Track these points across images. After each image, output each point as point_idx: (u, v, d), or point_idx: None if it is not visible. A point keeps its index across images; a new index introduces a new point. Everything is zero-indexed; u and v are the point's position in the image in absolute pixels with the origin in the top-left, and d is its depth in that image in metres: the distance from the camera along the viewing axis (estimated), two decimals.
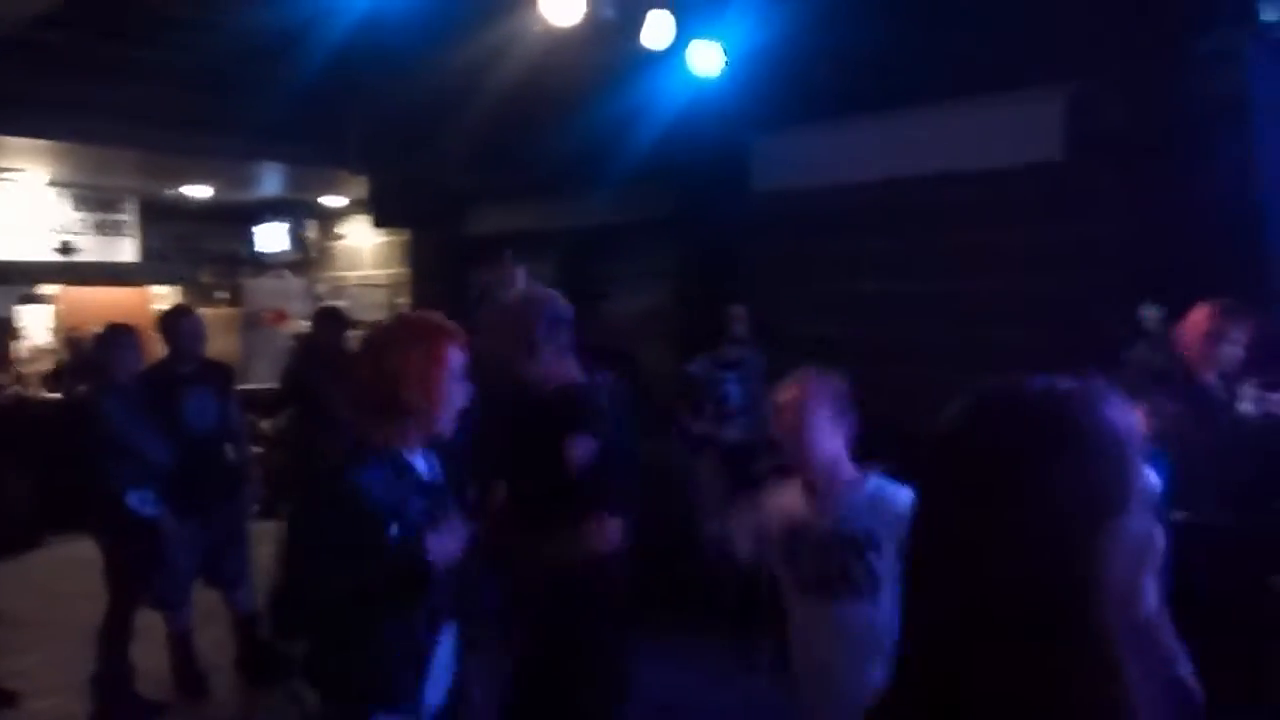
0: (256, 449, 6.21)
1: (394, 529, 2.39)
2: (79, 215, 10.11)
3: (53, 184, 9.78)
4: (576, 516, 2.98)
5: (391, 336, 2.58)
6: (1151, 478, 1.05)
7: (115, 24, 6.04)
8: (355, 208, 10.80)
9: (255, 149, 7.93)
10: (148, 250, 10.71)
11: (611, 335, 6.75)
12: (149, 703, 4.94)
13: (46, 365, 9.70)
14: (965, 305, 6.29)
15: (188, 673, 5.19)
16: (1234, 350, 4.04)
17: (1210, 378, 4.07)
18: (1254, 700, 3.22)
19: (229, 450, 5.36)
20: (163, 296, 10.92)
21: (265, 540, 5.80)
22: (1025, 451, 1.01)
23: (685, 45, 5.93)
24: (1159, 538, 1.06)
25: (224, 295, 11.73)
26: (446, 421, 2.52)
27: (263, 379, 9.27)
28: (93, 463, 4.70)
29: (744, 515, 2.93)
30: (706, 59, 6.01)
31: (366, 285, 11.32)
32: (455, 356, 2.50)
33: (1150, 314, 4.80)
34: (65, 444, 4.85)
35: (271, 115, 6.50)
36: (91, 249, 10.17)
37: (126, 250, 10.51)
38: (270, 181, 9.99)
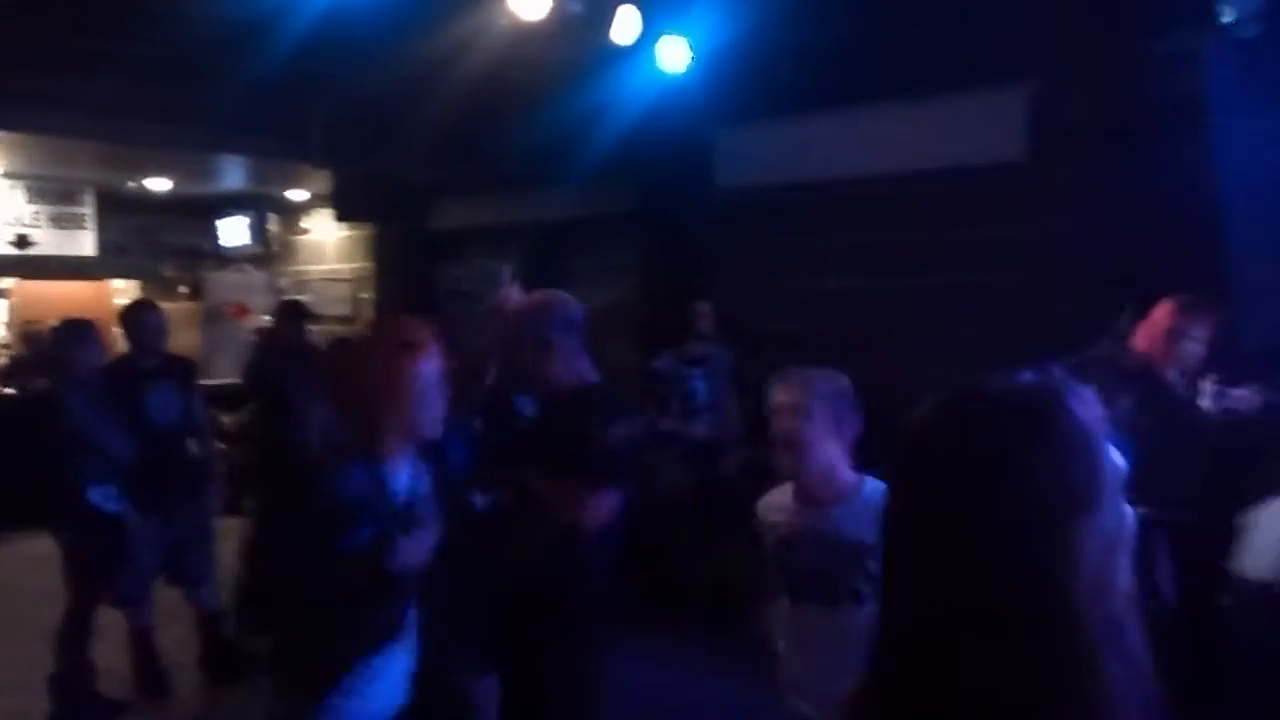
0: (220, 445, 6.16)
1: (363, 533, 2.41)
2: (35, 208, 9.97)
3: (8, 176, 9.64)
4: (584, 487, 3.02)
5: (361, 349, 2.63)
6: (1120, 461, 1.07)
7: (73, 14, 5.95)
8: (318, 201, 10.71)
9: (217, 142, 7.84)
10: (107, 243, 10.58)
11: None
12: (110, 701, 4.90)
13: (0, 360, 9.57)
14: (928, 301, 6.34)
15: (149, 671, 5.15)
16: (1195, 347, 4.11)
17: (1171, 374, 4.13)
18: (1208, 699, 3.26)
19: (192, 446, 5.32)
20: (122, 290, 10.81)
21: (229, 537, 5.78)
22: (997, 451, 1.02)
23: (650, 40, 5.94)
24: (1130, 521, 1.08)
25: (185, 289, 11.61)
26: (426, 427, 2.55)
27: (225, 374, 9.20)
28: (54, 458, 4.64)
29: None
30: (672, 54, 6.03)
31: (330, 280, 11.25)
32: (425, 365, 2.53)
33: (1126, 316, 4.88)
34: (23, 439, 4.79)
35: (233, 108, 6.44)
36: (49, 242, 10.04)
37: (85, 243, 10.38)
38: (232, 175, 9.88)
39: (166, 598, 5.32)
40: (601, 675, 3.11)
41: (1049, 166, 5.76)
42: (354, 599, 2.43)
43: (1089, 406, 1.05)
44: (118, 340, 5.50)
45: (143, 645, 5.14)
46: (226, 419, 7.88)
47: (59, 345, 4.93)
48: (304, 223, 11.65)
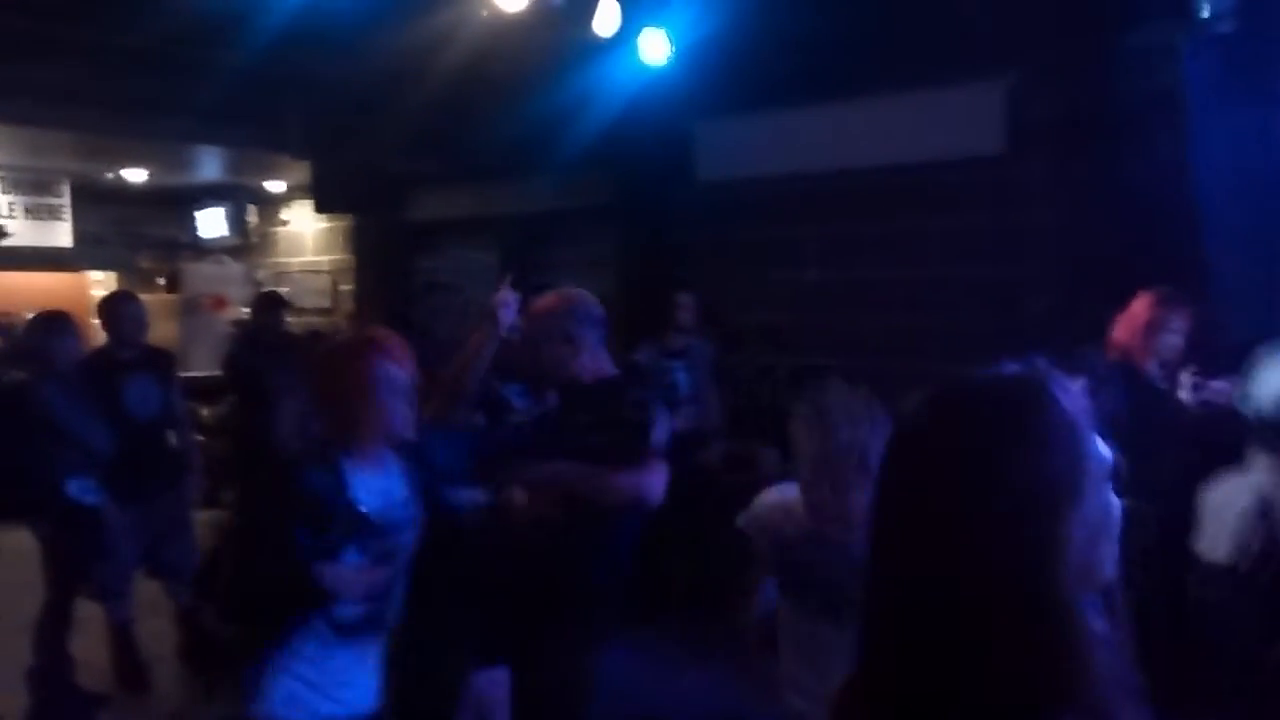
0: (199, 437, 6.13)
1: (303, 535, 2.46)
2: (10, 199, 9.88)
3: None
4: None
5: (324, 357, 2.72)
6: (1104, 450, 1.09)
7: (48, 3, 5.90)
8: (297, 193, 10.66)
9: (194, 132, 7.77)
10: (83, 235, 10.48)
11: None
12: (89, 695, 4.88)
13: None
14: (907, 293, 6.37)
15: (129, 664, 5.13)
16: (1173, 339, 4.15)
17: (1150, 367, 4.16)
18: (1184, 692, 3.30)
19: (171, 438, 5.30)
20: (99, 282, 10.73)
21: (208, 529, 5.76)
22: (983, 446, 1.04)
23: (631, 33, 5.93)
24: (1116, 508, 1.10)
25: (162, 281, 11.53)
26: (396, 430, 2.58)
27: (202, 366, 9.14)
28: (31, 451, 4.61)
29: None
30: (653, 47, 6.02)
31: (308, 271, 11.19)
32: (386, 369, 2.58)
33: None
34: (0, 432, 4.75)
35: (211, 98, 6.39)
36: (24, 233, 9.95)
37: (61, 234, 10.29)
38: (209, 165, 9.81)
39: (146, 590, 5.30)
40: (600, 668, 3.14)
41: (1026, 160, 5.80)
42: (288, 600, 2.47)
43: (1073, 398, 1.06)
44: (95, 332, 5.45)
45: (122, 638, 5.12)
46: (205, 411, 7.85)
47: (37, 337, 4.90)
48: (282, 214, 11.58)
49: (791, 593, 2.67)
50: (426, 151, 8.03)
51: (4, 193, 9.82)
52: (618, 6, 5.72)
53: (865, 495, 2.39)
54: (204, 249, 11.69)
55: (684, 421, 6.29)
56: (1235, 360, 3.79)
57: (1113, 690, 1.00)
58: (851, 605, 2.48)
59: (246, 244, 11.71)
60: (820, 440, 2.41)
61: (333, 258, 10.92)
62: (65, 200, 10.30)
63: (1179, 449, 3.92)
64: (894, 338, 6.32)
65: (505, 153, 7.42)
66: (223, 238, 11.50)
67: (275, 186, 10.76)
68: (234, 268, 11.66)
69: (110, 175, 9.93)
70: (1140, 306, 4.20)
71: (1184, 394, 4.16)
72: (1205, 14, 4.76)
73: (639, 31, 5.96)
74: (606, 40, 5.80)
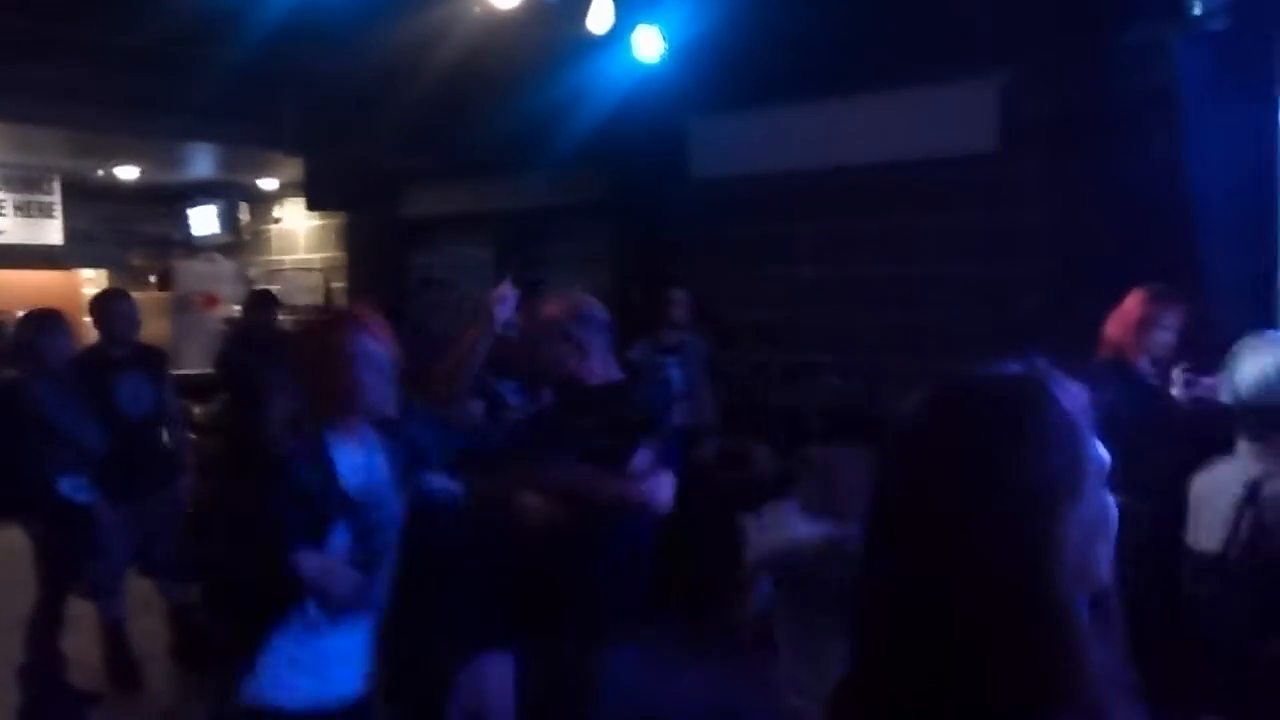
0: (191, 435, 6.11)
1: (291, 512, 2.48)
2: (1, 196, 9.83)
3: None
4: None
5: (303, 329, 2.72)
6: (1103, 452, 1.08)
7: (47, 2, 5.88)
8: (289, 190, 10.62)
9: (189, 130, 7.76)
10: (74, 232, 10.44)
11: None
12: (81, 693, 4.86)
13: None
14: (900, 290, 6.39)
15: (121, 663, 5.11)
16: (1166, 336, 4.15)
17: (1142, 363, 4.17)
18: (1178, 689, 3.30)
19: (164, 436, 5.29)
20: (91, 280, 10.69)
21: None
22: (985, 447, 1.03)
23: (625, 30, 5.93)
24: (1113, 512, 1.10)
25: (154, 279, 11.50)
26: (375, 406, 2.57)
27: (194, 364, 9.10)
28: (23, 449, 4.60)
29: None
30: (647, 44, 6.02)
31: (301, 269, 11.16)
32: (364, 345, 2.56)
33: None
34: None
35: (206, 95, 6.37)
36: (15, 231, 9.90)
37: (52, 232, 10.25)
38: (201, 163, 9.78)
39: (138, 589, 5.29)
40: (606, 669, 3.14)
41: (1019, 158, 5.81)
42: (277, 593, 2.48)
43: (1071, 393, 1.06)
44: (86, 330, 5.44)
45: (114, 637, 5.11)
46: (197, 410, 7.83)
47: (28, 335, 4.88)
48: (275, 211, 11.55)
49: (789, 590, 2.68)
50: (420, 148, 8.02)
51: None
52: (611, 3, 5.72)
53: None
54: (196, 247, 11.65)
55: (678, 418, 6.28)
56: (1227, 357, 3.79)
57: (1107, 689, 1.00)
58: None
59: (238, 242, 11.67)
60: None
61: (325, 255, 10.89)
62: (56, 198, 10.25)
63: (1172, 445, 3.91)
64: (887, 335, 6.34)
65: (499, 149, 7.42)
66: (215, 235, 11.46)
67: (267, 184, 10.73)
68: (226, 265, 11.63)
69: (101, 172, 9.89)
70: (1132, 303, 4.21)
71: (1176, 390, 4.16)
72: (1197, 11, 4.77)
73: (633, 28, 5.96)
74: (600, 37, 5.79)
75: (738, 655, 2.92)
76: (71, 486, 4.62)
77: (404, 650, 2.95)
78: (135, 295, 5.68)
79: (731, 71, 6.37)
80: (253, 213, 11.61)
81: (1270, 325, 4.22)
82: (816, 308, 6.77)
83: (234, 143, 8.50)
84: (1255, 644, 2.91)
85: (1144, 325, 4.14)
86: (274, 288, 9.03)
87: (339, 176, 8.39)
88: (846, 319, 6.60)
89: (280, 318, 6.92)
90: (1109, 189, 5.28)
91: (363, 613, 2.62)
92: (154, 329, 9.50)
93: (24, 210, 10.01)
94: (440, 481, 3.24)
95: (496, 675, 3.11)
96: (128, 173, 9.86)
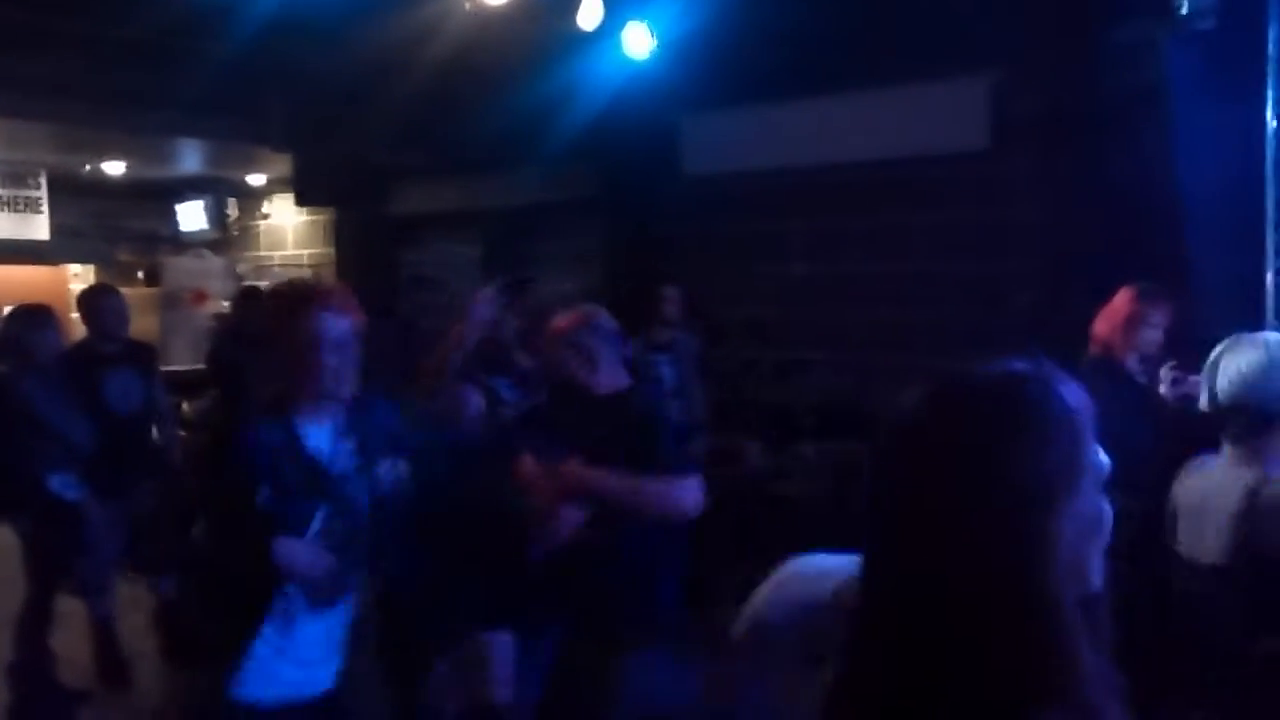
0: (180, 432, 6.09)
1: (264, 492, 2.44)
2: None
3: None
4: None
5: (268, 312, 2.69)
6: (1101, 455, 1.08)
7: None
8: (278, 186, 10.60)
9: (177, 124, 7.73)
10: (61, 227, 10.39)
11: (540, 316, 6.75)
12: (70, 691, 4.84)
13: None
14: (891, 288, 6.40)
15: (110, 660, 5.09)
16: (1154, 334, 4.16)
17: (1130, 361, 4.18)
18: (1169, 687, 3.31)
19: (153, 432, 5.27)
20: (78, 276, 10.64)
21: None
22: (984, 443, 1.03)
23: (615, 26, 5.92)
24: (1108, 513, 1.10)
25: (142, 275, 11.45)
26: (335, 387, 2.55)
27: (182, 360, 9.08)
28: (12, 446, 4.57)
29: None
30: (637, 40, 6.02)
31: (289, 265, 11.13)
32: (326, 325, 2.52)
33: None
34: None
35: (194, 90, 6.34)
36: (1, 226, 9.86)
37: (38, 227, 10.20)
38: (190, 158, 9.74)
39: (126, 586, 5.26)
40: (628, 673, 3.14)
41: (1010, 156, 5.83)
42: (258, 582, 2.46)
43: (1073, 391, 1.06)
44: (74, 326, 5.41)
45: (103, 634, 5.09)
46: (186, 406, 7.80)
47: (16, 331, 4.85)
48: (264, 207, 11.53)
49: None
50: (410, 144, 8.00)
51: None
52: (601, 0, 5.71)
53: None
54: (184, 242, 11.61)
55: (671, 414, 6.28)
56: None
57: (1100, 687, 1.01)
58: None
59: (226, 238, 11.64)
60: None
61: (314, 251, 10.87)
62: (43, 193, 10.21)
63: (1160, 443, 3.93)
64: (878, 332, 6.35)
65: (489, 146, 7.40)
66: (203, 231, 11.42)
67: (256, 179, 10.70)
68: (214, 261, 11.58)
69: (89, 167, 9.85)
70: (1121, 301, 4.21)
71: (1163, 388, 4.17)
72: (1185, 10, 4.78)
73: (623, 24, 5.96)
74: (590, 33, 5.79)
75: (732, 655, 2.91)
76: (60, 483, 4.60)
77: (397, 630, 2.95)
78: (123, 291, 5.65)
79: (723, 68, 6.37)
80: (241, 208, 11.58)
81: (1258, 324, 4.23)
82: (808, 305, 6.78)
83: (222, 138, 8.47)
84: (1247, 641, 2.92)
85: (1132, 323, 4.15)
86: (263, 284, 9.00)
87: (328, 172, 8.36)
88: (837, 316, 6.61)
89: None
90: (1099, 187, 5.30)
91: (337, 598, 2.61)
92: (142, 325, 9.45)
93: (10, 205, 9.97)
94: (388, 464, 3.24)
95: (499, 645, 3.13)
96: (115, 168, 9.81)
